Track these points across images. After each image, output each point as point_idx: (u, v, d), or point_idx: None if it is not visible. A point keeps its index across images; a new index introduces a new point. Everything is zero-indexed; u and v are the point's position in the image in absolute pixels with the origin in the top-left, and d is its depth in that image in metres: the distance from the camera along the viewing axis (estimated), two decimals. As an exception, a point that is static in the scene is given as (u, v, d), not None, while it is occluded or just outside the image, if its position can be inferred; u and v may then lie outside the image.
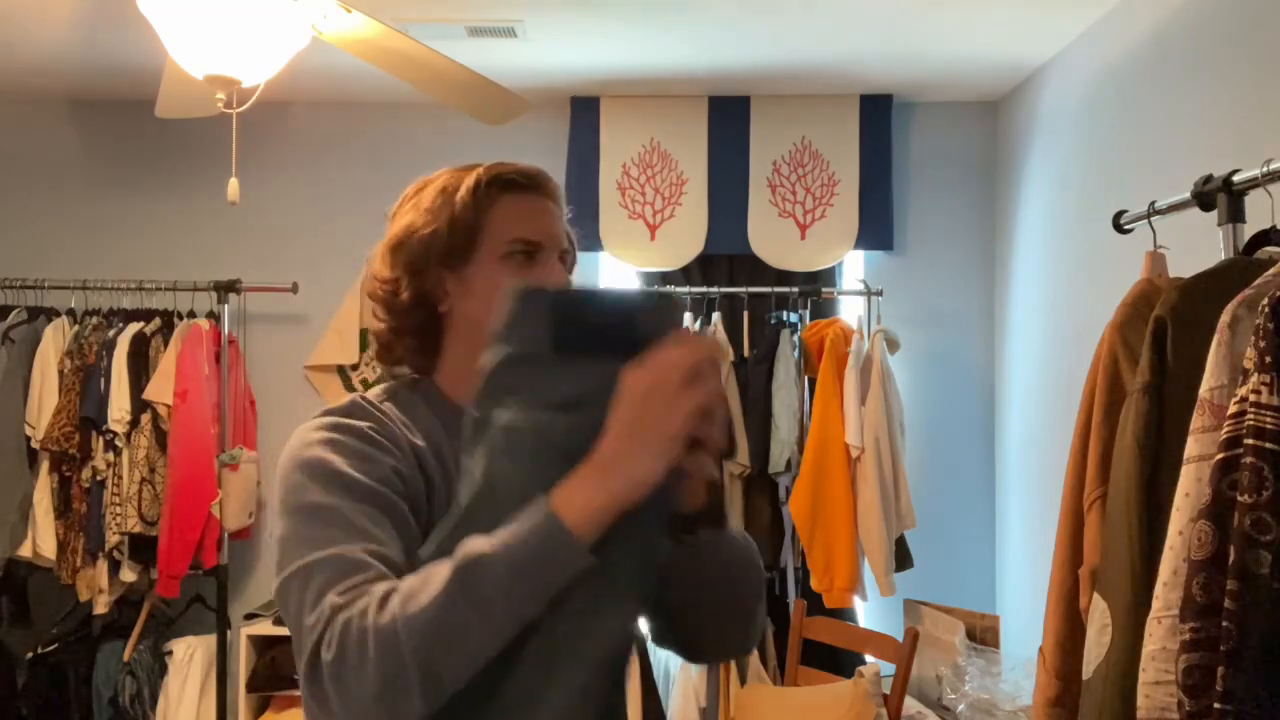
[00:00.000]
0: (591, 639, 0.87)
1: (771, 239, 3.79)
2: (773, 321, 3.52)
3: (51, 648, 3.49)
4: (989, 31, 3.17)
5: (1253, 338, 1.21)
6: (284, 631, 3.38)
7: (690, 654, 1.19)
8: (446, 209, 1.10)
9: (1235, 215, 1.66)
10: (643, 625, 1.06)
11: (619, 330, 0.88)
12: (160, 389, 3.41)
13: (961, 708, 3.02)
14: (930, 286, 3.88)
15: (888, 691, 2.66)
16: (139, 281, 3.62)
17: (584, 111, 3.83)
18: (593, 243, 3.81)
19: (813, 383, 3.44)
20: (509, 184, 1.12)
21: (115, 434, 3.38)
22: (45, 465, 3.41)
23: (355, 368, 3.88)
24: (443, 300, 1.10)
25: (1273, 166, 1.51)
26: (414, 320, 1.11)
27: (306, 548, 0.93)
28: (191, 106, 2.77)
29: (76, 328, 3.55)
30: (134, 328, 3.52)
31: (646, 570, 0.91)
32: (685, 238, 3.79)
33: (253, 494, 3.66)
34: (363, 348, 3.85)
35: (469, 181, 1.11)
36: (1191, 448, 1.28)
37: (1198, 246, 1.77)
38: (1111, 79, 2.95)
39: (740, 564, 1.09)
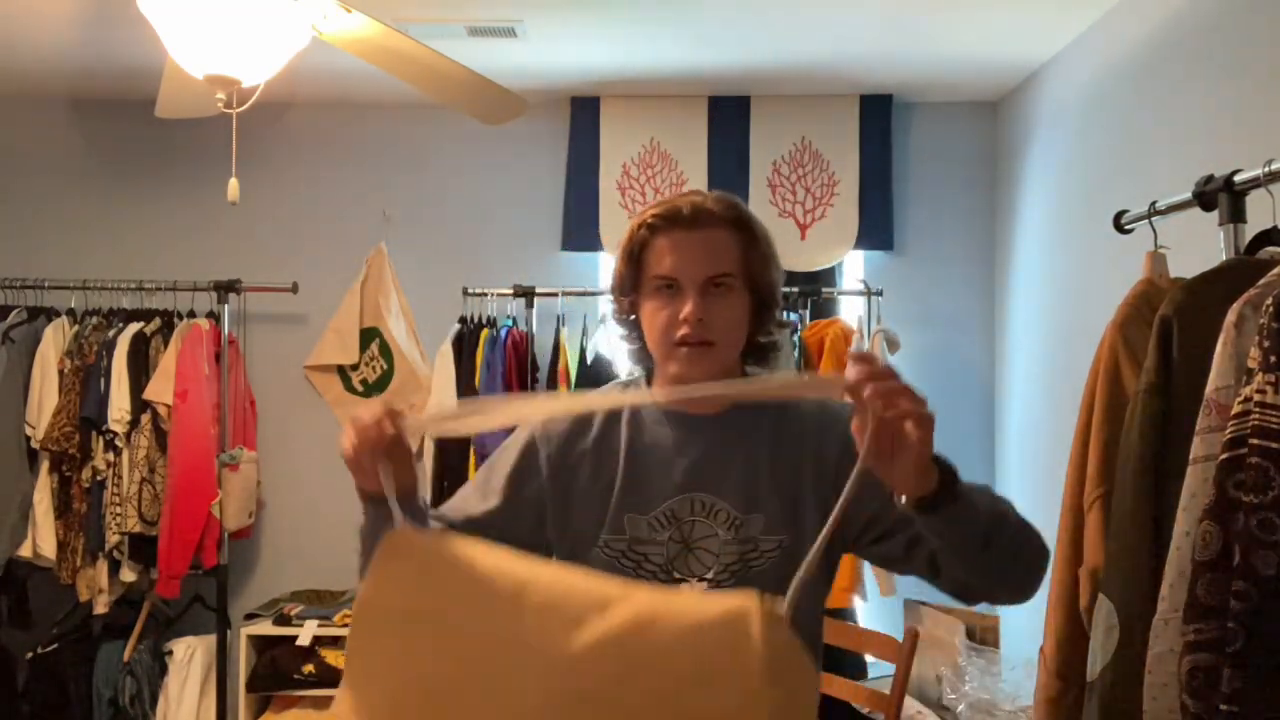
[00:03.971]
0: None
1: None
2: (773, 321, 3.51)
3: (51, 648, 3.49)
4: (989, 31, 3.17)
5: (1257, 337, 1.21)
6: (283, 631, 3.38)
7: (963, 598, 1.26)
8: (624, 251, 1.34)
9: (1236, 215, 1.66)
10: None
11: None
12: (160, 389, 3.40)
13: (961, 708, 3.02)
14: (930, 286, 3.88)
15: (888, 691, 2.65)
16: (139, 281, 3.62)
17: (584, 111, 3.82)
18: (593, 243, 3.81)
19: (813, 383, 3.43)
20: (654, 227, 1.28)
21: (115, 434, 3.38)
22: (45, 465, 3.40)
23: (355, 367, 3.86)
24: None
25: (1274, 167, 1.51)
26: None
27: None
28: (191, 106, 2.77)
29: (76, 328, 3.55)
30: (134, 328, 3.51)
31: None
32: (685, 238, 3.78)
33: (252, 494, 3.65)
34: (363, 347, 3.83)
35: (631, 225, 1.32)
36: (1198, 448, 1.28)
37: (1198, 246, 1.77)
38: (1111, 79, 2.95)
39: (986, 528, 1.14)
